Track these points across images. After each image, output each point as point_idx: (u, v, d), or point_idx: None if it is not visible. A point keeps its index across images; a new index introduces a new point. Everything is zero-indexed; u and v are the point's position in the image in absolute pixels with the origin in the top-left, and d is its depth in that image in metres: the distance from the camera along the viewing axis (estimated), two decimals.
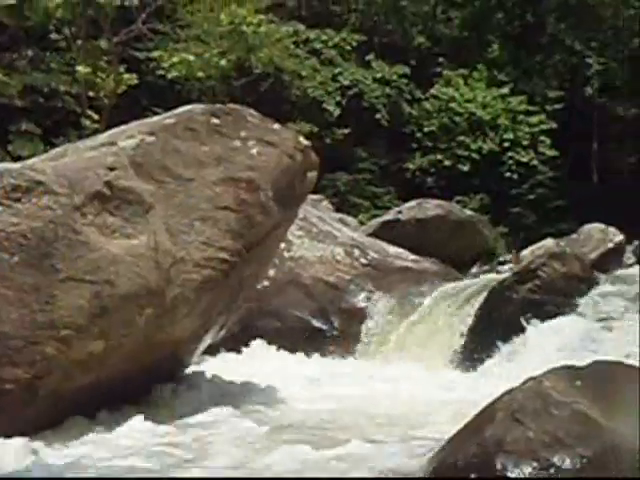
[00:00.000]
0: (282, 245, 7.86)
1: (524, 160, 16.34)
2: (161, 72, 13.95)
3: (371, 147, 16.56)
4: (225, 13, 13.44)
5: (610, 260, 10.61)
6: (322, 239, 9.24)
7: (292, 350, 8.09)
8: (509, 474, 3.31)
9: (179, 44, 14.15)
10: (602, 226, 11.20)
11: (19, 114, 13.31)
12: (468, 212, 12.60)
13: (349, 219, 12.16)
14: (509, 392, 3.73)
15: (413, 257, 9.65)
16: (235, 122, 5.76)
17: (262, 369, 6.91)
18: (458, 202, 14.32)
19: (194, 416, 5.34)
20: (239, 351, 7.99)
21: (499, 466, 3.36)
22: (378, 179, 16.35)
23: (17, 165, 5.34)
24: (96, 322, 4.89)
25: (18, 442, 4.49)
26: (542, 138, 16.45)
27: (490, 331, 7.37)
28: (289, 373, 6.91)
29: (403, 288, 8.79)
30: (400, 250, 9.73)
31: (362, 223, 12.81)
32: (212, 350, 6.82)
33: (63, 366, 4.81)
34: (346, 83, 16.33)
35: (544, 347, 6.72)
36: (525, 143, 16.42)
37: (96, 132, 9.36)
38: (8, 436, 4.52)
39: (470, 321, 7.70)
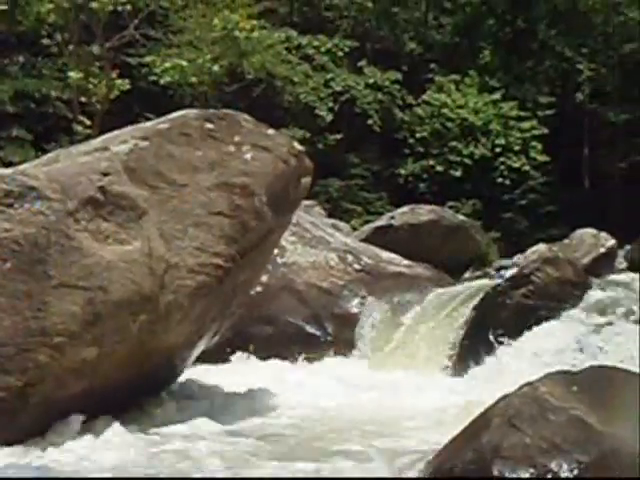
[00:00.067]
0: (275, 251, 7.83)
1: (516, 165, 16.40)
2: (154, 78, 13.92)
3: (363, 153, 16.58)
4: (218, 18, 13.43)
5: (602, 265, 10.65)
6: (315, 245, 9.23)
7: (285, 356, 8.06)
8: None
9: (171, 50, 14.13)
10: (594, 231, 11.25)
11: (10, 120, 13.26)
12: (461, 217, 12.62)
13: (342, 225, 12.16)
14: (505, 398, 3.71)
15: (406, 262, 9.65)
16: (229, 127, 5.74)
17: (253, 376, 6.87)
18: (450, 207, 14.35)
19: (182, 425, 5.30)
20: (230, 358, 7.95)
21: (496, 472, 3.34)
22: (370, 185, 16.37)
23: (9, 170, 5.30)
24: (89, 329, 4.86)
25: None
26: (533, 144, 16.52)
27: (484, 336, 7.36)
28: (280, 380, 6.86)
29: (396, 293, 8.78)
30: (393, 255, 9.72)
31: (355, 229, 12.81)
32: (204, 356, 6.79)
33: (56, 373, 4.77)
34: (338, 89, 16.35)
35: (538, 352, 6.71)
36: (517, 149, 16.49)
37: (88, 138, 9.31)
38: None
39: (464, 326, 7.69)
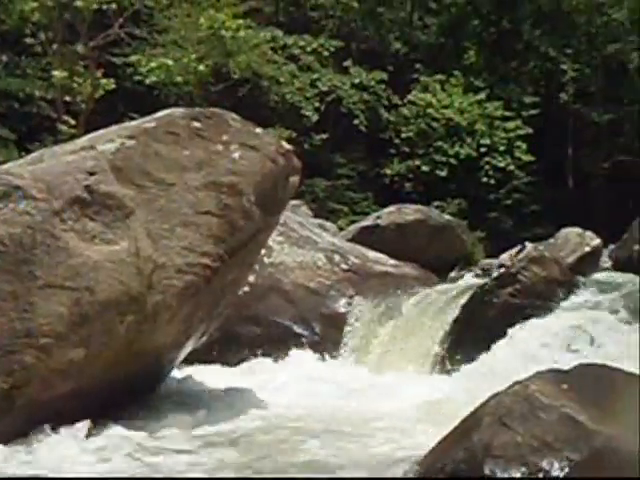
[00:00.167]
0: (262, 251, 7.81)
1: (501, 165, 16.45)
2: (139, 77, 13.84)
3: (349, 153, 16.57)
4: (204, 17, 13.37)
5: (587, 263, 10.69)
6: (302, 245, 9.21)
7: (272, 356, 8.04)
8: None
9: (157, 49, 14.05)
10: (579, 230, 11.28)
11: None
12: (447, 217, 12.63)
13: (328, 224, 12.14)
14: (495, 396, 3.71)
15: (393, 262, 9.66)
16: (217, 126, 5.71)
17: (239, 377, 6.85)
18: (436, 207, 14.35)
19: (169, 425, 5.28)
20: (219, 358, 7.91)
21: (487, 471, 3.34)
22: (356, 185, 16.36)
23: None
24: (76, 330, 4.82)
25: None
26: (518, 143, 16.57)
27: (471, 335, 7.38)
28: (266, 380, 6.84)
29: (383, 293, 8.79)
30: (380, 255, 9.73)
31: (341, 229, 12.78)
32: (191, 357, 6.75)
33: (42, 375, 4.73)
34: (324, 89, 16.33)
35: (526, 351, 6.73)
36: (502, 148, 16.53)
37: (72, 138, 9.22)
38: None
39: (451, 325, 7.70)
